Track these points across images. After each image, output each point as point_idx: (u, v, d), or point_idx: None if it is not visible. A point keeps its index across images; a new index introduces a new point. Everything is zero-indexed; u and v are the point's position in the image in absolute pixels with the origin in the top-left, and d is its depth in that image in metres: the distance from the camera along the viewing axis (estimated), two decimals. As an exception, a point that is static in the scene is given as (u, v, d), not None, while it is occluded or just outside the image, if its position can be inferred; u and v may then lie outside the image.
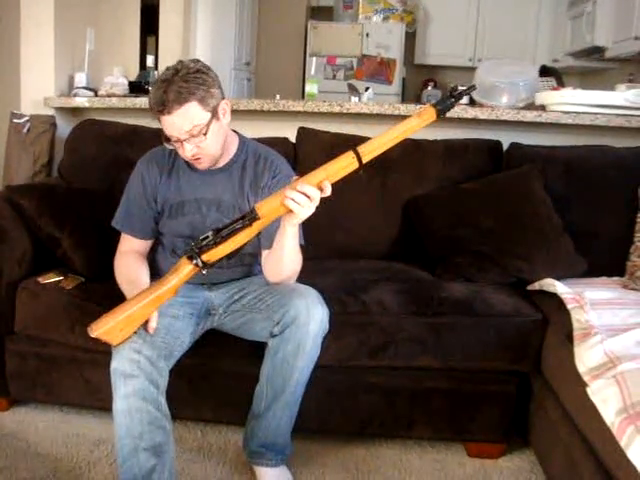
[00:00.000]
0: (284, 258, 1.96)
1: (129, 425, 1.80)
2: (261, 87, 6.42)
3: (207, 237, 1.74)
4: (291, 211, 1.72)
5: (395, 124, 1.72)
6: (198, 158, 1.99)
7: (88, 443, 2.29)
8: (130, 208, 2.14)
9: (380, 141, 1.71)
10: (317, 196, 1.70)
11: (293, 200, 1.69)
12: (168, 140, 1.97)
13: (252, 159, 2.14)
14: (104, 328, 1.76)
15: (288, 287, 2.01)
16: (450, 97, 1.71)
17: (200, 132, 1.92)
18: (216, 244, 1.74)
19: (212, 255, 1.75)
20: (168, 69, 1.92)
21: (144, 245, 2.17)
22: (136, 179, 2.14)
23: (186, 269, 1.77)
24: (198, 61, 1.96)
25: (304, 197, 1.69)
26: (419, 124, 1.72)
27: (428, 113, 1.71)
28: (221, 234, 1.73)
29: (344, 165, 1.71)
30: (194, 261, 1.75)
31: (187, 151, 1.94)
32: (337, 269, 2.52)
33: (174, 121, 1.89)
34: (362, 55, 6.19)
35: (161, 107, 1.87)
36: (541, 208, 2.53)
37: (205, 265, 1.76)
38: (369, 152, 1.71)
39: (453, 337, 2.20)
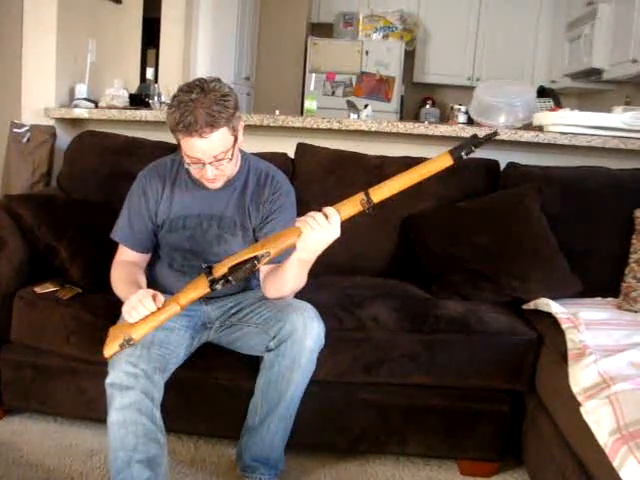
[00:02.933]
0: (287, 280, 1.97)
1: (123, 437, 1.80)
2: (260, 102, 6.45)
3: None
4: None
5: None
6: (214, 179, 1.97)
7: (81, 454, 2.28)
8: (131, 221, 2.12)
9: (392, 182, 1.77)
10: (318, 216, 1.74)
11: (299, 221, 1.76)
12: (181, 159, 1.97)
13: (253, 175, 2.14)
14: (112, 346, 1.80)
15: (285, 302, 2.02)
16: (470, 143, 1.71)
17: (225, 156, 1.91)
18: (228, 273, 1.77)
19: (219, 265, 1.78)
20: (190, 87, 1.85)
21: (142, 258, 2.17)
22: (138, 192, 2.12)
23: (198, 289, 1.79)
24: (219, 80, 1.91)
25: (306, 217, 1.75)
26: (434, 169, 1.75)
27: (445, 161, 1.73)
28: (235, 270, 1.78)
29: (351, 199, 1.77)
30: (208, 278, 1.77)
31: (209, 174, 1.92)
32: (333, 285, 2.53)
33: (204, 145, 1.85)
34: (361, 72, 6.22)
35: (190, 129, 1.81)
36: (537, 228, 2.55)
37: (213, 280, 1.77)
38: (379, 189, 1.76)
39: (448, 355, 2.21)
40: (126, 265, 2.10)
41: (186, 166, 1.97)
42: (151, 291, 1.82)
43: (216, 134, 1.84)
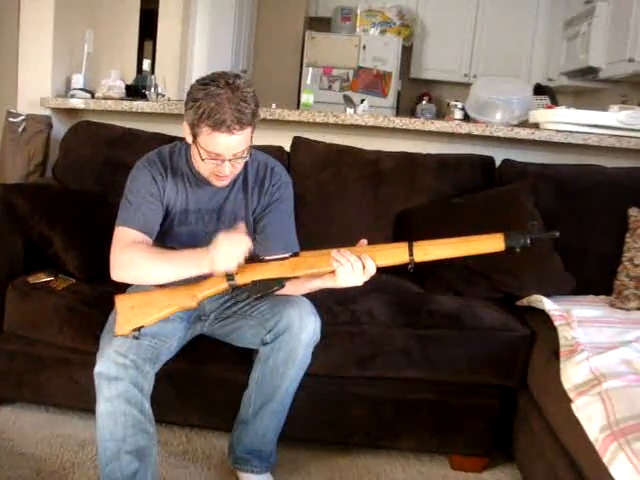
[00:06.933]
0: (302, 291, 1.98)
1: (112, 428, 1.79)
2: (257, 95, 6.43)
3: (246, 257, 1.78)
4: (333, 272, 1.76)
5: (458, 236, 1.73)
6: (227, 176, 1.93)
7: (73, 444, 2.29)
8: (141, 206, 1.98)
9: (438, 244, 1.73)
10: (357, 264, 1.73)
11: (336, 260, 1.74)
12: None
13: (252, 167, 2.11)
14: (124, 294, 1.85)
15: (282, 296, 2.01)
16: (525, 234, 1.67)
17: (244, 154, 1.89)
18: (253, 261, 1.78)
19: (242, 271, 1.78)
20: (216, 81, 1.80)
21: (149, 243, 2.00)
22: (146, 178, 2.01)
23: (218, 286, 1.80)
24: (241, 76, 1.87)
25: (345, 259, 1.73)
26: (484, 249, 1.72)
27: (496, 243, 1.70)
28: (260, 258, 1.80)
29: (392, 247, 1.75)
30: (227, 278, 1.77)
31: (226, 170, 1.88)
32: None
33: (229, 141, 1.81)
34: (358, 67, 6.21)
35: (220, 125, 1.77)
36: (531, 225, 2.55)
37: (232, 279, 1.78)
38: (423, 246, 1.72)
39: (441, 350, 2.21)
40: (144, 245, 1.94)
41: (199, 162, 1.91)
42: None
43: (244, 132, 1.82)
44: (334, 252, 1.75)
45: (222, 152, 1.84)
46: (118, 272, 1.90)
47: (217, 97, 1.78)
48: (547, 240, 1.69)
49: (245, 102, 1.80)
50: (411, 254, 1.72)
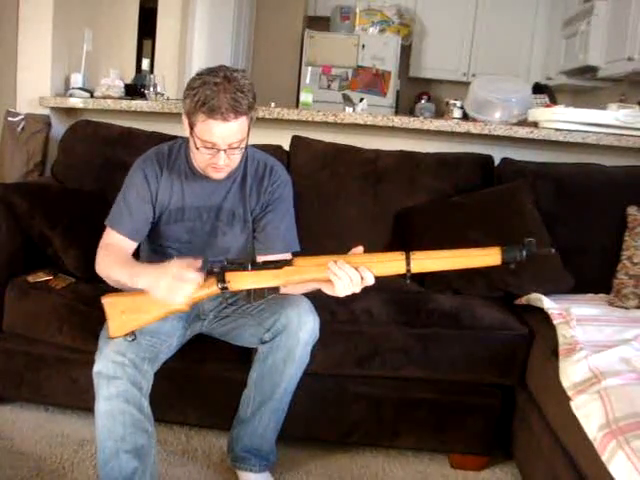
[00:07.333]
0: (301, 291, 1.97)
1: (111, 427, 1.79)
2: (256, 92, 6.43)
3: (239, 261, 1.77)
4: (329, 281, 1.74)
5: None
6: (222, 168, 1.93)
7: (72, 443, 2.29)
8: (129, 207, 2.03)
9: (436, 256, 1.71)
10: (355, 277, 1.71)
11: (332, 272, 1.71)
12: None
13: (252, 165, 2.11)
14: (112, 297, 1.80)
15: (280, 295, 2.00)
16: (522, 249, 1.65)
17: (239, 145, 1.88)
18: (244, 269, 1.75)
19: (235, 278, 1.75)
20: (214, 72, 1.83)
21: (132, 246, 2.06)
22: (138, 178, 2.04)
23: (209, 289, 1.77)
24: (240, 70, 1.88)
25: (343, 272, 1.71)
26: (482, 263, 1.70)
27: (493, 257, 1.68)
28: (254, 264, 1.77)
29: (389, 259, 1.74)
30: (219, 284, 1.75)
31: (221, 161, 1.87)
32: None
33: (224, 130, 1.81)
34: (357, 66, 6.21)
35: (215, 112, 1.78)
36: (530, 223, 2.55)
37: (225, 287, 1.76)
38: (420, 259, 1.71)
39: (440, 349, 2.21)
40: (117, 248, 2.00)
41: (194, 152, 1.92)
42: (183, 261, 1.76)
43: (239, 121, 1.82)
44: (331, 264, 1.72)
45: (217, 141, 1.84)
46: (95, 267, 2.00)
47: (214, 86, 1.79)
48: (543, 255, 1.69)
49: (242, 92, 1.81)
50: (408, 265, 1.71)
